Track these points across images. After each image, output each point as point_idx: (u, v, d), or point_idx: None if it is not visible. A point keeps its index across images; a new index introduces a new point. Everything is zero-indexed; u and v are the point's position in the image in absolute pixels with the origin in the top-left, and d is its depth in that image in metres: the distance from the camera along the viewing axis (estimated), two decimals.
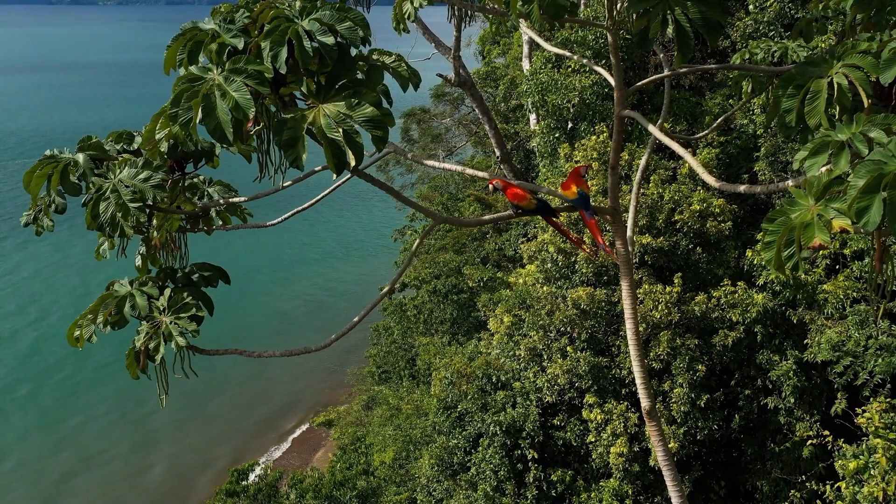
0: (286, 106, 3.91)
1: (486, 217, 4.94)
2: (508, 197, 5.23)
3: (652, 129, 4.40)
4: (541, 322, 13.94)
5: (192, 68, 3.79)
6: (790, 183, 3.59)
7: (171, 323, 4.33)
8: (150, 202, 4.14)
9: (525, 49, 20.22)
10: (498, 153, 20.36)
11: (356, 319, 4.64)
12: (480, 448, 13.80)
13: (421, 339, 20.21)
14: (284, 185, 4.41)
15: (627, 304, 5.18)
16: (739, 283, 13.47)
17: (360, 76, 3.91)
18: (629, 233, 5.62)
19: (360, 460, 18.13)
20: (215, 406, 28.25)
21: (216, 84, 3.66)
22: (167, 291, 4.51)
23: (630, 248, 5.37)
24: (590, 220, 5.31)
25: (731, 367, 13.76)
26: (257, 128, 3.95)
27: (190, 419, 27.31)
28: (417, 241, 4.67)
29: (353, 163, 3.64)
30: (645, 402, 5.17)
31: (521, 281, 15.22)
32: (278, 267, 40.64)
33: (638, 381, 5.24)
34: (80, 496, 23.77)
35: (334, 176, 3.72)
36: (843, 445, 10.09)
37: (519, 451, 13.59)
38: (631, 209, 6.32)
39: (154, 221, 4.96)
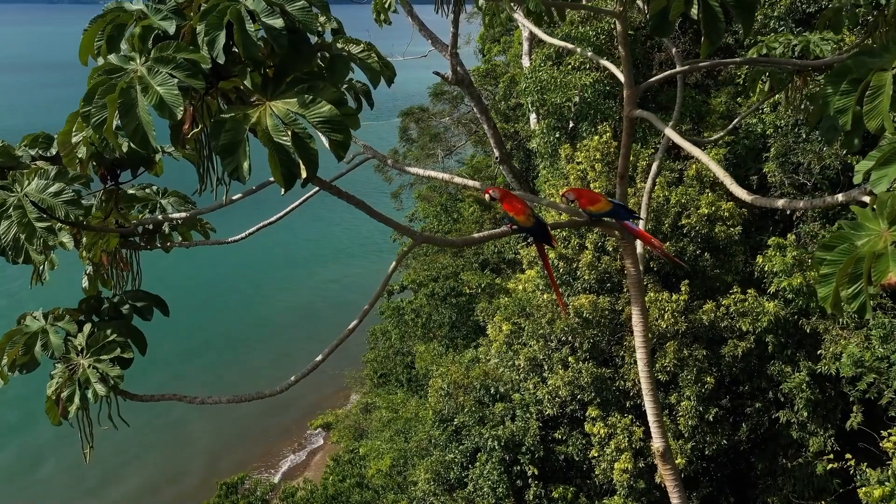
0: (231, 104, 3.27)
1: (476, 236, 4.30)
2: (505, 208, 4.61)
3: (669, 132, 3.78)
4: (541, 331, 13.33)
5: (111, 57, 3.10)
6: (840, 198, 2.96)
7: (89, 367, 3.67)
8: (67, 219, 3.49)
9: (525, 46, 19.57)
10: (497, 154, 19.71)
11: (319, 359, 4.02)
12: (478, 463, 13.20)
13: (418, 346, 19.61)
14: (234, 198, 3.78)
15: (638, 331, 4.55)
16: (749, 291, 12.86)
17: (323, 68, 3.28)
18: (639, 249, 4.99)
19: (353, 472, 17.52)
20: (209, 409, 27.52)
21: (137, 76, 2.97)
22: (87, 327, 3.86)
23: (641, 268, 4.74)
24: (637, 230, 4.63)
25: (741, 379, 13.15)
26: (195, 130, 3.30)
27: (178, 420, 26.61)
28: (393, 264, 4.05)
29: (304, 174, 3.00)
30: (658, 443, 4.55)
31: (520, 287, 14.58)
32: (267, 270, 39.23)
33: (651, 419, 4.62)
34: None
35: (282, 191, 3.06)
36: (868, 470, 9.45)
37: (518, 467, 12.99)
38: (641, 226, 5.66)
39: (84, 240, 4.32)
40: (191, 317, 32.83)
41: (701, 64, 4.66)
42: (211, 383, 28.47)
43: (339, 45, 3.43)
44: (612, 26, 15.01)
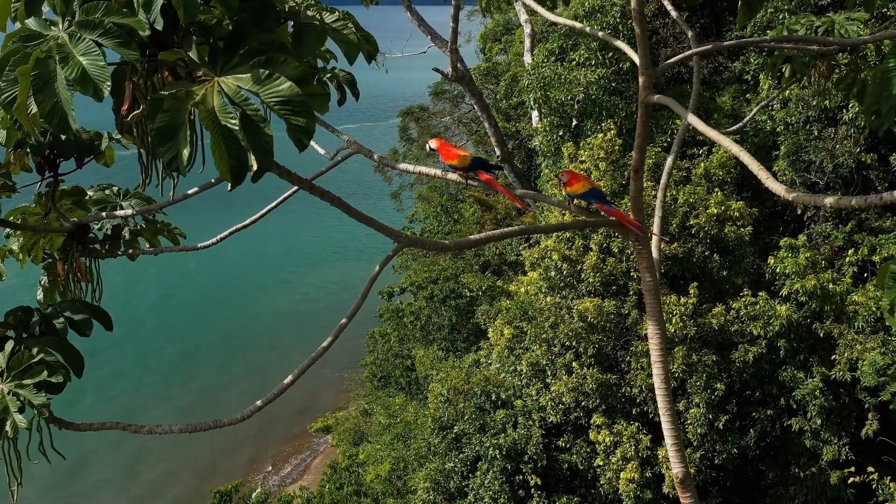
0: (179, 80, 2.76)
1: (471, 238, 3.85)
2: (443, 158, 4.73)
3: (693, 119, 3.31)
4: (544, 335, 12.85)
5: (29, 21, 2.60)
6: None
7: (8, 393, 3.09)
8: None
9: (527, 43, 19.10)
10: (498, 152, 19.27)
11: (288, 380, 3.55)
12: (479, 472, 12.74)
13: (418, 350, 19.14)
14: (189, 192, 3.31)
15: (655, 345, 4.08)
16: (761, 294, 12.39)
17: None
18: (655, 254, 4.51)
19: (351, 479, 17.06)
20: (202, 411, 26.98)
21: (57, 44, 2.47)
22: (9, 345, 3.24)
23: (658, 275, 4.27)
24: (614, 211, 4.60)
25: (752, 385, 12.67)
26: (136, 112, 2.81)
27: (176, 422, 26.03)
28: (377, 268, 3.59)
29: (255, 166, 2.52)
30: (678, 469, 4.09)
31: (522, 290, 14.10)
32: (259, 271, 38.20)
33: (669, 442, 4.16)
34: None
35: (229, 187, 2.57)
36: (891, 485, 8.97)
37: (520, 476, 12.52)
38: (656, 226, 5.19)
39: (20, 240, 3.83)
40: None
41: (726, 43, 4.21)
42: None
43: (310, 14, 2.94)
44: (617, 20, 14.52)
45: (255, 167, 2.48)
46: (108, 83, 2.41)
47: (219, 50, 2.58)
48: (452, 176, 4.98)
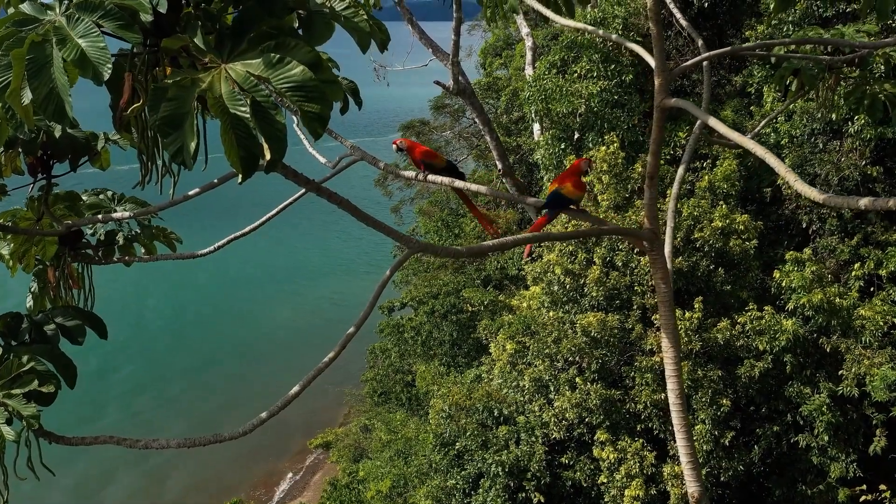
0: (180, 68, 2.61)
1: (486, 244, 3.70)
2: (417, 156, 4.71)
3: (714, 122, 3.18)
4: (547, 350, 12.69)
5: (24, 6, 2.46)
6: None
7: None
8: None
9: (528, 56, 19.08)
10: (499, 166, 19.18)
11: (295, 390, 3.40)
12: (481, 490, 12.55)
13: (419, 365, 18.95)
14: (190, 193, 3.16)
15: (669, 357, 3.92)
16: (767, 308, 12.23)
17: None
18: (669, 264, 4.36)
19: (350, 497, 16.83)
20: (200, 425, 26.69)
21: (54, 27, 2.31)
22: None
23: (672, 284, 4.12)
24: (541, 218, 4.48)
25: (758, 401, 12.50)
26: (136, 105, 2.65)
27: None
28: (387, 273, 3.45)
29: (268, 155, 2.37)
30: (693, 488, 3.92)
31: (524, 304, 13.95)
32: (266, 284, 37.93)
33: (684, 459, 4.00)
34: None
35: (239, 179, 2.41)
36: None
37: (523, 494, 12.34)
38: (668, 234, 5.04)
39: (10, 246, 3.66)
40: (173, 341, 32.07)
41: (745, 45, 4.11)
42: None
43: (319, 1, 2.79)
44: (619, 32, 14.46)
45: (267, 157, 2.32)
46: (109, 66, 2.25)
47: (225, 35, 2.43)
48: (460, 183, 4.86)
